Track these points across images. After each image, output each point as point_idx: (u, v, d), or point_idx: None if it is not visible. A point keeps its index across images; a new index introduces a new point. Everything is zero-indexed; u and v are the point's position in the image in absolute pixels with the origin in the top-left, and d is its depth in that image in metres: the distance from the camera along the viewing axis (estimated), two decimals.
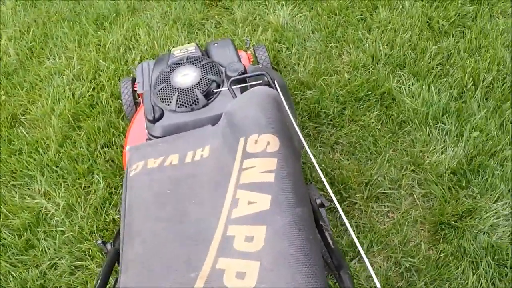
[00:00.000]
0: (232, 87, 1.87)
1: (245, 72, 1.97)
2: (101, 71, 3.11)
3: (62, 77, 3.14)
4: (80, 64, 3.20)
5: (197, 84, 1.96)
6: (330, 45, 3.11)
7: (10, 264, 2.33)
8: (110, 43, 3.29)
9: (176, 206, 1.41)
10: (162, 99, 1.97)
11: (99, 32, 3.43)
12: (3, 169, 2.70)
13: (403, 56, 2.95)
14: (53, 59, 3.31)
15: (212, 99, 1.95)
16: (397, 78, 2.85)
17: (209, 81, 1.98)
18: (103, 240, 1.68)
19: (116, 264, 1.48)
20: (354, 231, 2.27)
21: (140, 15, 3.55)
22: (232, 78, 1.91)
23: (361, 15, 3.28)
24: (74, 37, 3.43)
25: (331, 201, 2.05)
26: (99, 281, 1.35)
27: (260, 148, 1.39)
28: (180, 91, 1.95)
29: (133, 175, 1.56)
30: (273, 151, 1.38)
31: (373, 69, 2.91)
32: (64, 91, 3.02)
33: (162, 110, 1.94)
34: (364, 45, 3.07)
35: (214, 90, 1.97)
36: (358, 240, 2.24)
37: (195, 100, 1.92)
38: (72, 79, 3.11)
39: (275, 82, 1.88)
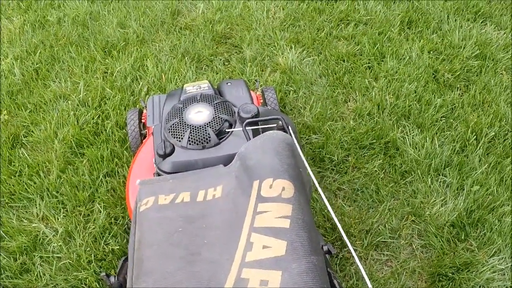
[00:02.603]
0: (247, 131, 1.98)
1: (258, 114, 2.08)
2: (107, 99, 3.24)
3: (67, 102, 3.26)
4: (86, 90, 3.33)
5: (210, 123, 2.06)
6: (337, 91, 3.29)
7: (4, 287, 2.39)
8: (117, 71, 3.43)
9: (188, 246, 1.48)
10: (174, 135, 2.06)
11: (106, 60, 3.58)
12: (1, 189, 2.78)
13: (408, 107, 3.13)
14: (59, 83, 3.43)
15: (223, 139, 2.04)
16: (401, 128, 3.02)
17: (222, 121, 2.08)
18: (107, 273, 1.76)
19: None
20: (352, 278, 2.39)
21: (148, 46, 3.70)
22: (248, 121, 2.02)
23: (369, 63, 3.49)
24: (81, 63, 3.56)
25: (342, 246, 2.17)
26: None
27: (275, 193, 1.49)
28: (193, 128, 2.04)
29: (143, 210, 1.63)
30: (288, 197, 1.48)
31: (378, 118, 3.08)
32: (68, 116, 3.14)
33: (173, 145, 2.03)
34: (370, 93, 3.25)
35: (226, 130, 2.07)
36: (358, 287, 2.36)
37: (207, 139, 2.01)
38: (77, 105, 3.22)
39: (289, 127, 2.00)
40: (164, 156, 2.00)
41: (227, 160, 1.84)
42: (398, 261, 2.47)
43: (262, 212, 1.46)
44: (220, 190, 1.64)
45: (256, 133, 2.02)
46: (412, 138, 2.96)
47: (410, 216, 2.62)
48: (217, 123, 2.07)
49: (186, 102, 2.22)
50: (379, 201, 2.69)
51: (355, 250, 2.49)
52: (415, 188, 2.73)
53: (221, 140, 2.04)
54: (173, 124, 2.11)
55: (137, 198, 1.70)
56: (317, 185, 1.65)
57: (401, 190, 2.74)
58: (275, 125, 2.09)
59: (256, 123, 2.06)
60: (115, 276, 1.69)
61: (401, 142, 2.94)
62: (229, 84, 2.50)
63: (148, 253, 1.49)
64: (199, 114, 2.12)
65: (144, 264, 1.46)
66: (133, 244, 1.55)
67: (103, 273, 1.71)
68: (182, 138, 2.03)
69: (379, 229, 2.57)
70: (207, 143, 2.01)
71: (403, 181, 2.77)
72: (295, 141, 1.81)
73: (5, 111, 3.25)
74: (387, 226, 2.58)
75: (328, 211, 2.60)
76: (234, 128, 2.10)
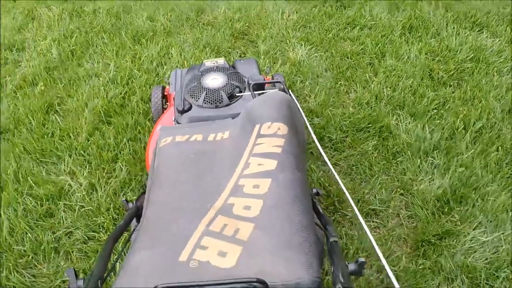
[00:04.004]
0: (253, 92, 2.18)
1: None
2: (134, 78, 3.41)
3: (98, 79, 3.44)
4: (115, 71, 3.51)
5: (223, 87, 2.25)
6: (340, 82, 3.39)
7: (28, 226, 2.50)
8: (145, 56, 3.61)
9: (198, 167, 1.65)
10: (192, 95, 2.25)
11: (136, 46, 3.77)
12: (34, 146, 2.93)
13: (403, 99, 3.20)
14: (92, 63, 3.63)
15: (234, 101, 2.23)
16: (396, 116, 3.09)
17: (233, 86, 2.27)
18: (126, 199, 1.87)
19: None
20: (343, 238, 2.44)
21: (174, 37, 3.89)
22: (254, 83, 2.22)
23: (370, 60, 3.59)
24: (113, 48, 3.76)
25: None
26: (121, 223, 1.54)
27: (272, 131, 1.64)
28: (208, 91, 2.24)
29: (162, 145, 1.79)
30: (282, 134, 1.63)
31: (375, 107, 3.16)
32: (99, 91, 3.31)
33: (191, 104, 2.22)
34: (369, 86, 3.34)
35: (237, 94, 2.25)
36: (346, 246, 2.41)
37: (219, 99, 2.20)
38: (107, 82, 3.39)
39: (289, 90, 2.15)
40: (183, 111, 2.19)
41: (236, 117, 1.96)
42: (386, 228, 2.51)
43: (260, 144, 1.62)
44: (227, 133, 1.80)
45: None
46: (405, 125, 3.02)
47: (399, 189, 2.66)
48: (229, 88, 2.26)
49: (204, 71, 2.42)
50: (371, 176, 2.74)
51: (346, 215, 2.55)
52: (405, 167, 2.78)
53: (231, 102, 2.22)
54: (192, 87, 2.30)
55: (158, 139, 1.86)
56: (312, 133, 1.74)
57: (392, 168, 2.79)
58: (277, 89, 2.23)
59: (261, 86, 2.25)
60: (133, 202, 1.81)
61: (395, 128, 3.00)
62: (242, 61, 2.68)
63: (164, 171, 1.65)
64: (214, 80, 2.31)
65: (160, 177, 1.63)
66: (152, 168, 1.71)
67: (123, 199, 1.87)
68: (199, 98, 2.22)
69: (370, 199, 2.62)
70: (220, 103, 2.20)
71: (394, 161, 2.82)
72: (296, 101, 1.95)
73: (42, 83, 3.42)
74: (377, 197, 2.63)
75: (323, 180, 2.68)
76: (243, 93, 2.27)
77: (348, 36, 3.81)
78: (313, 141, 2.82)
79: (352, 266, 1.30)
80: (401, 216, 2.57)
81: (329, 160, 2.80)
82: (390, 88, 3.29)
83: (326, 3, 4.22)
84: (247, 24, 3.99)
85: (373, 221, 2.54)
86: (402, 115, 3.09)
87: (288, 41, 3.77)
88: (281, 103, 1.79)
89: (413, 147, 2.86)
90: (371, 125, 3.01)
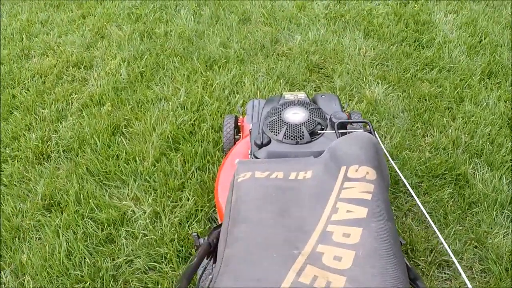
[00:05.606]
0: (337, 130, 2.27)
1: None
2: (205, 105, 3.64)
3: (167, 103, 3.69)
4: (186, 96, 3.75)
5: (304, 123, 2.34)
6: (417, 125, 3.58)
7: (87, 251, 2.67)
8: (217, 83, 3.85)
9: (280, 206, 1.71)
10: (272, 129, 2.35)
11: (208, 72, 4.02)
12: (97, 168, 3.14)
13: (481, 147, 3.36)
14: (161, 87, 3.88)
15: (315, 139, 2.31)
16: (473, 164, 3.25)
17: (315, 123, 2.35)
18: (197, 233, 2.00)
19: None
20: None
21: (247, 66, 4.13)
22: (340, 121, 2.31)
23: (448, 104, 3.76)
24: (184, 72, 4.01)
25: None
26: (194, 261, 1.57)
27: (360, 176, 1.73)
28: (289, 126, 2.33)
29: (240, 181, 1.87)
30: (371, 179, 1.72)
31: (452, 153, 3.33)
32: (168, 115, 3.55)
33: (270, 138, 2.32)
34: (447, 130, 3.51)
35: (318, 132, 2.34)
36: None
37: (300, 135, 2.29)
38: (177, 107, 3.63)
39: (375, 132, 2.30)
40: (261, 145, 2.28)
41: (317, 155, 2.05)
42: (457, 281, 2.64)
43: (348, 188, 1.70)
44: (310, 173, 1.88)
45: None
46: (482, 174, 3.17)
47: (473, 242, 2.80)
48: (311, 124, 2.34)
49: (285, 104, 2.52)
50: (445, 225, 2.89)
51: (418, 265, 2.71)
52: (480, 218, 2.92)
53: (312, 139, 2.30)
54: (272, 121, 2.40)
55: (235, 173, 1.94)
56: (401, 176, 1.92)
57: (467, 219, 2.94)
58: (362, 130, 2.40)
59: (343, 127, 2.33)
60: (204, 238, 1.85)
61: (471, 177, 3.15)
62: (323, 96, 2.79)
63: (243, 207, 1.72)
64: (295, 115, 2.40)
65: (239, 214, 1.69)
66: (230, 203, 1.78)
67: (195, 233, 1.90)
68: (278, 133, 2.31)
69: (443, 249, 2.76)
70: (300, 139, 2.28)
71: (469, 211, 2.97)
72: (381, 143, 2.10)
73: (109, 103, 3.70)
74: (450, 247, 2.77)
75: (396, 227, 2.86)
76: (325, 131, 2.36)
77: (426, 78, 4.00)
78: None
79: None
80: (474, 269, 2.70)
81: (403, 205, 3.00)
82: (468, 134, 3.46)
83: (404, 41, 4.45)
84: (323, 58, 4.22)
85: (445, 273, 2.68)
86: (479, 163, 3.24)
87: (364, 78, 3.98)
88: (369, 145, 1.87)
89: (489, 198, 3.00)
90: (447, 172, 3.17)
